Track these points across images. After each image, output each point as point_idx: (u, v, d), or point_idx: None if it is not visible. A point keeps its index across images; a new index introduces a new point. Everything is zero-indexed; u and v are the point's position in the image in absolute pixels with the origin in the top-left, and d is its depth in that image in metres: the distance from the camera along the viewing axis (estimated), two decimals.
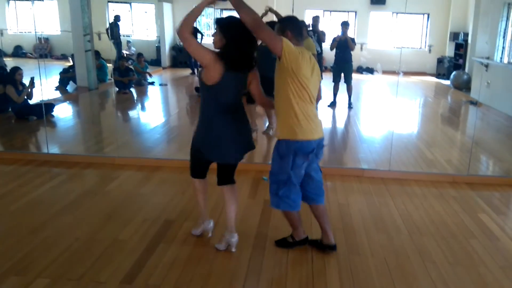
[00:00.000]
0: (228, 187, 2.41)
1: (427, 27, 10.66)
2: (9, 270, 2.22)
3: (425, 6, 10.29)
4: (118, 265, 2.29)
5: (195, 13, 2.06)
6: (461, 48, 9.78)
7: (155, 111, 7.16)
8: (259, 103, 2.44)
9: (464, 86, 8.63)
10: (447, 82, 9.35)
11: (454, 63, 9.94)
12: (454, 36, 10.19)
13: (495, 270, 2.37)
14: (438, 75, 10.25)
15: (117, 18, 9.02)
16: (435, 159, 4.37)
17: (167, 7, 10.30)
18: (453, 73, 9.12)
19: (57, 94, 7.20)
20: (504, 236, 2.76)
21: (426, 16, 10.59)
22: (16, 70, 5.55)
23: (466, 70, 9.09)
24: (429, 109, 7.79)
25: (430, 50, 10.53)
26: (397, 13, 9.25)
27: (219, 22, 2.20)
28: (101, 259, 2.34)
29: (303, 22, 4.18)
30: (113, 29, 8.82)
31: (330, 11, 9.58)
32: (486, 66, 7.19)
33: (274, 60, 2.20)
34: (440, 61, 10.28)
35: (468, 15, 9.86)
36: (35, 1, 7.96)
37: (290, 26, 2.19)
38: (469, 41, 9.32)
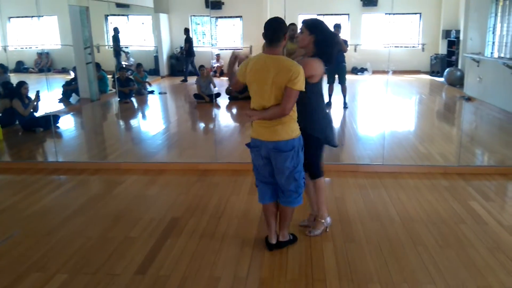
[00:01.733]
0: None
1: (419, 26, 10.86)
2: (30, 267, 2.41)
3: (417, 6, 10.51)
4: (131, 259, 2.47)
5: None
6: (453, 45, 9.94)
7: (156, 118, 7.35)
8: None
9: (457, 82, 8.76)
10: (441, 79, 9.53)
11: (447, 60, 10.13)
12: (447, 33, 10.37)
13: (483, 251, 2.51)
14: (432, 73, 10.42)
15: (116, 30, 9.23)
16: (428, 152, 4.52)
17: (163, 17, 10.55)
18: (447, 70, 9.27)
19: (61, 106, 7.41)
20: (492, 220, 2.91)
21: (418, 15, 10.80)
22: (22, 84, 5.76)
23: (459, 66, 9.26)
24: (423, 105, 7.96)
25: (423, 49, 10.73)
26: (389, 14, 9.46)
27: (307, 23, 2.50)
28: (114, 255, 2.53)
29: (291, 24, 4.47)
30: (117, 40, 9.02)
31: (323, 15, 9.79)
32: (478, 62, 7.35)
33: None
34: (433, 58, 10.48)
35: (459, 13, 10.05)
36: (34, 17, 8.19)
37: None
38: (461, 38, 9.50)
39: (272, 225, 2.51)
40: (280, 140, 2.28)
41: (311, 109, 2.50)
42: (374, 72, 9.87)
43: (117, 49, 8.89)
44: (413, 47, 10.96)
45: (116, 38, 8.98)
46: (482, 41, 7.35)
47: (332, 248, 2.55)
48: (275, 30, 2.23)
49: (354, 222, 2.90)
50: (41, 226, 2.92)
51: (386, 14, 10.02)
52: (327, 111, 2.67)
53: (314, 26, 2.48)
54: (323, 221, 2.71)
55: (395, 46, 10.48)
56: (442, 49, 10.48)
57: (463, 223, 2.87)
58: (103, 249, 2.58)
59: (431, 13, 10.71)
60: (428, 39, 10.78)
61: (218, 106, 7.43)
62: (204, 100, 7.49)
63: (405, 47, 10.94)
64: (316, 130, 2.53)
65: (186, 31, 9.84)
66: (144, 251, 2.54)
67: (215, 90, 7.79)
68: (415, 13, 10.75)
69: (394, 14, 9.28)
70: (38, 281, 2.28)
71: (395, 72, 8.99)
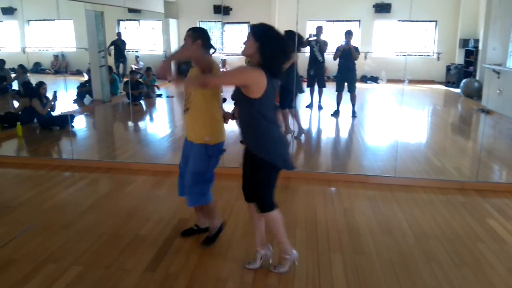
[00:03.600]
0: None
1: (435, 35, 10.67)
2: (47, 259, 2.49)
3: (433, 14, 10.29)
4: (141, 256, 2.52)
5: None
6: (471, 55, 9.72)
7: (164, 121, 7.40)
8: None
9: (475, 94, 8.55)
10: (457, 90, 9.33)
11: (464, 71, 9.91)
12: (464, 43, 10.13)
13: (502, 272, 2.40)
14: (447, 83, 10.22)
15: (119, 34, 9.25)
16: (443, 166, 4.38)
17: (173, 22, 10.67)
18: (463, 80, 9.06)
19: (75, 107, 7.57)
20: None
21: (434, 23, 10.62)
22: (41, 84, 5.97)
23: (477, 77, 9.05)
24: (438, 117, 7.75)
25: (438, 58, 10.51)
26: (403, 21, 9.33)
27: (253, 28, 2.11)
28: (126, 251, 2.58)
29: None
30: (120, 45, 9.04)
31: (333, 21, 9.65)
32: (498, 73, 7.15)
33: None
34: (451, 68, 10.27)
35: (478, 22, 9.82)
36: (51, 21, 8.44)
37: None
38: (480, 47, 9.29)
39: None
40: None
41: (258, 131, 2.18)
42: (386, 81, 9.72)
43: (121, 53, 8.87)
44: (428, 55, 10.77)
45: (118, 43, 8.89)
46: (504, 52, 7.13)
47: (341, 260, 2.50)
48: None
49: (364, 234, 2.83)
50: (57, 220, 2.99)
51: (399, 21, 9.88)
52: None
53: (260, 33, 2.08)
54: (287, 256, 2.37)
55: (408, 55, 10.31)
56: (459, 58, 10.26)
57: (480, 241, 2.76)
58: (115, 245, 2.63)
59: (448, 21, 10.48)
60: (444, 48, 10.56)
61: (223, 111, 7.41)
62: None
63: (419, 55, 10.74)
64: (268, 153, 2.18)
65: None
66: (153, 249, 2.58)
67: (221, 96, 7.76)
68: (431, 21, 10.57)
69: (408, 21, 9.12)
70: (55, 272, 2.34)
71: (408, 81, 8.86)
